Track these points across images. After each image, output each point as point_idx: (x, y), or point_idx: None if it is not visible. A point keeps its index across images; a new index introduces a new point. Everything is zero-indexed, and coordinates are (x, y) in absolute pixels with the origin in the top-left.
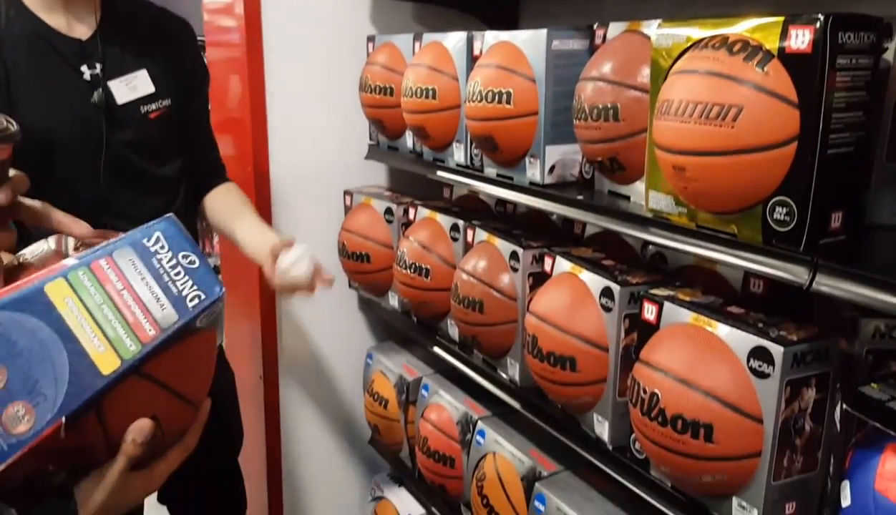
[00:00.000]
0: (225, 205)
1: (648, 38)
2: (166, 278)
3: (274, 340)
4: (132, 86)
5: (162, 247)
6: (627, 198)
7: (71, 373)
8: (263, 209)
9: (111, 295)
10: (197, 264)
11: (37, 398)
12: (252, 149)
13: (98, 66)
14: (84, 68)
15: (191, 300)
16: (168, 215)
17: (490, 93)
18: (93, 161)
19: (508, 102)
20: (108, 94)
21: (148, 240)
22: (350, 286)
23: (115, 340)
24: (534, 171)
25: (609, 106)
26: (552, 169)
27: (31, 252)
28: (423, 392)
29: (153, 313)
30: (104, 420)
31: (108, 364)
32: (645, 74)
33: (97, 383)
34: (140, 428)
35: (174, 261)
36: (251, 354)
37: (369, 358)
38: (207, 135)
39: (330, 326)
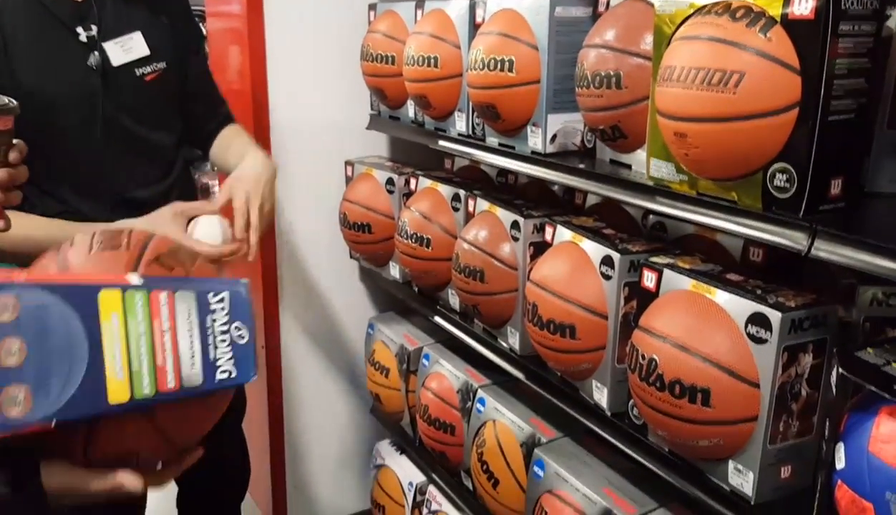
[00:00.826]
0: (219, 143)
1: (651, 4)
2: (210, 340)
3: (276, 310)
4: (127, 49)
5: (222, 309)
6: (629, 166)
7: (82, 384)
8: None
9: (154, 330)
10: (245, 340)
11: (41, 390)
12: (253, 120)
13: (94, 27)
14: (80, 30)
15: (221, 372)
16: (244, 281)
17: (492, 61)
18: (89, 123)
19: (511, 70)
20: (104, 56)
21: (213, 296)
22: (351, 256)
23: (136, 375)
24: (535, 140)
25: (612, 73)
26: (554, 138)
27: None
28: (424, 361)
29: (182, 367)
30: (91, 435)
31: (118, 394)
32: (648, 41)
33: (100, 407)
34: (133, 484)
35: (226, 328)
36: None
37: (370, 328)
38: (212, 91)
39: (331, 297)
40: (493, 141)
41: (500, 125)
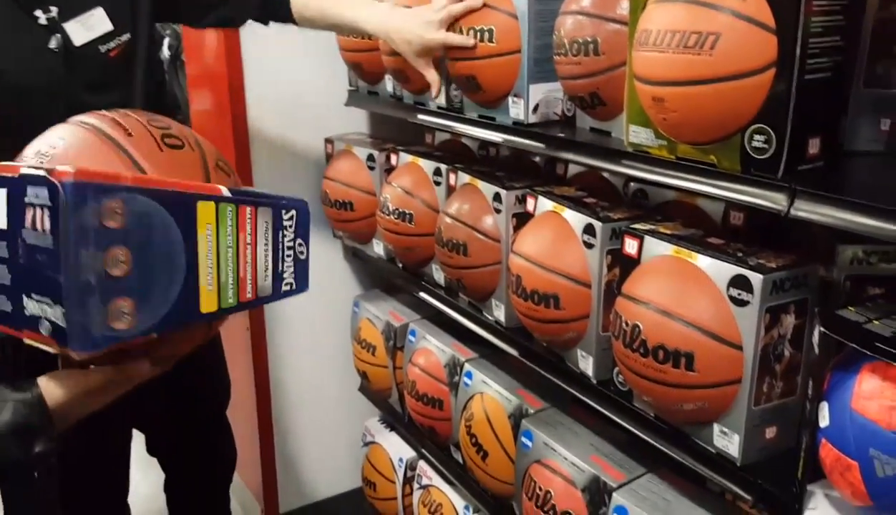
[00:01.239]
0: (317, 5)
1: None
2: (280, 254)
3: None
4: (89, 26)
5: (290, 226)
6: (609, 133)
7: (180, 295)
8: (243, 161)
9: (240, 243)
10: (305, 256)
11: (144, 302)
12: (229, 100)
13: (53, 9)
14: (39, 13)
15: (286, 284)
16: (304, 200)
17: (472, 31)
18: (53, 106)
19: (491, 40)
20: (66, 38)
21: (285, 213)
22: (334, 235)
23: (223, 286)
24: (518, 111)
25: (589, 40)
26: (536, 107)
27: None
28: (411, 337)
29: (258, 279)
30: (161, 341)
31: (208, 304)
32: (624, 6)
33: (193, 316)
34: (141, 371)
35: (291, 244)
36: None
37: (356, 306)
38: None
39: (315, 276)
40: (472, 113)
41: (479, 96)
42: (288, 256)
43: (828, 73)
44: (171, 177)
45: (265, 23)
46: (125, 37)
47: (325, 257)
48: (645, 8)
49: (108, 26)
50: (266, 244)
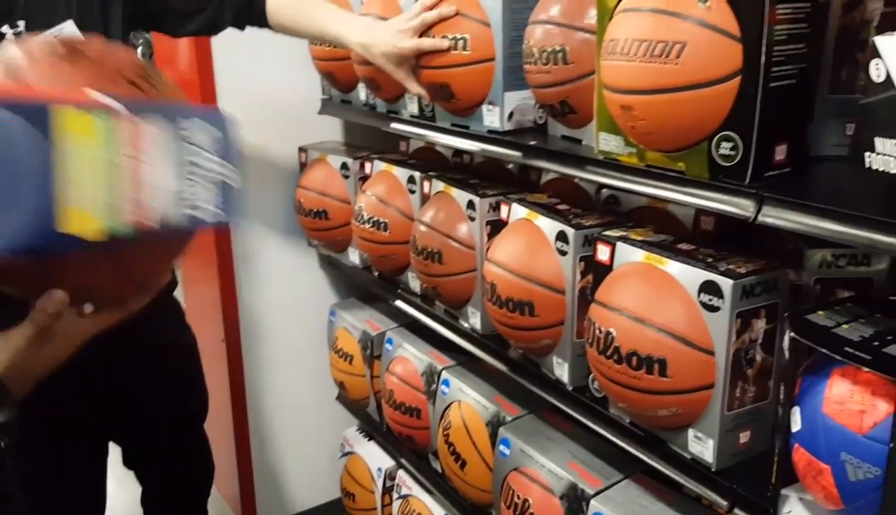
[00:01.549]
0: (281, 9)
1: None
2: (191, 175)
3: (234, 302)
4: None
5: (204, 141)
6: (580, 141)
7: (33, 210)
8: None
9: (123, 160)
10: (231, 178)
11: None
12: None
13: (21, 23)
14: (5, 28)
15: (204, 211)
16: (221, 113)
17: (444, 41)
18: None
19: (465, 48)
20: None
21: (193, 125)
22: (309, 244)
23: (99, 206)
24: (493, 118)
25: (558, 49)
26: (511, 115)
27: None
28: (388, 345)
29: (156, 202)
30: (51, 276)
31: (78, 224)
32: (592, 16)
33: (56, 237)
34: (54, 300)
35: (207, 164)
36: (212, 317)
37: (332, 315)
38: None
39: (291, 285)
40: (444, 122)
41: (453, 105)
42: (201, 176)
43: (793, 79)
44: (54, 83)
45: (241, 28)
46: None
47: (301, 266)
48: (612, 17)
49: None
50: (162, 161)
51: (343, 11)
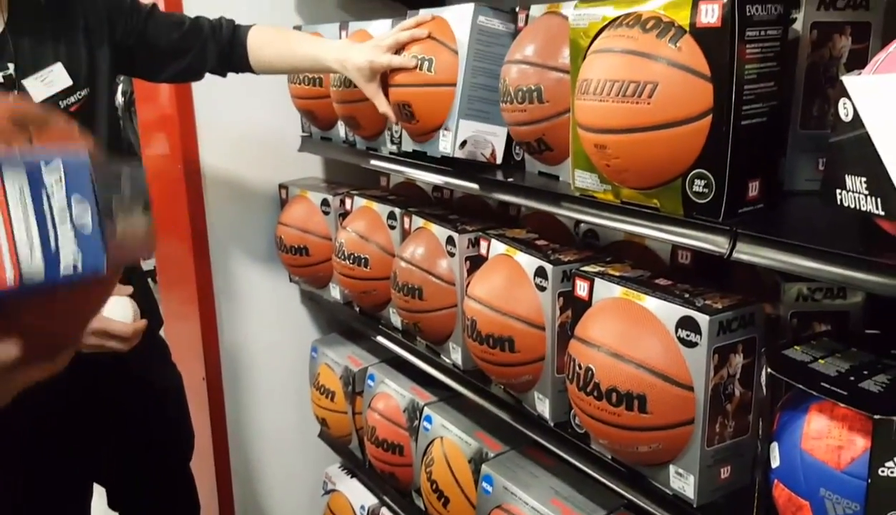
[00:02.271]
0: (266, 41)
1: (567, 18)
2: (49, 223)
3: (215, 339)
4: (48, 82)
5: (59, 185)
6: (557, 178)
7: None
8: (196, 206)
9: None
10: (91, 223)
11: None
12: (181, 146)
13: (10, 65)
14: None
15: (66, 265)
16: (83, 147)
17: (413, 59)
18: None
19: (430, 69)
20: (25, 95)
21: (46, 168)
22: (291, 280)
23: None
24: (445, 143)
25: (533, 88)
26: (464, 144)
27: None
28: (370, 382)
29: (21, 259)
30: None
31: None
32: (566, 55)
33: None
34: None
35: (64, 206)
36: (192, 355)
37: (314, 351)
38: (188, 29)
39: (272, 322)
40: (408, 146)
41: (414, 126)
42: (62, 225)
43: (764, 117)
44: None
45: (223, 74)
46: (85, 92)
47: (282, 302)
48: (585, 58)
49: (67, 82)
50: (25, 213)
51: (319, 39)
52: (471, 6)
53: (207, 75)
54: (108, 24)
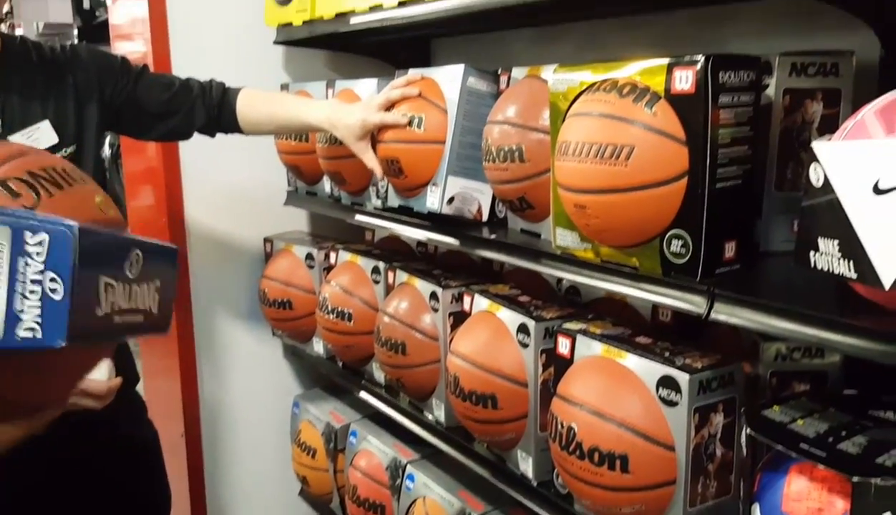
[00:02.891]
0: (254, 103)
1: (547, 82)
2: (17, 287)
3: (195, 395)
4: (34, 139)
5: (38, 254)
6: (538, 235)
7: None
8: (181, 260)
9: None
10: (60, 296)
11: None
12: (166, 198)
13: None
14: None
15: (26, 328)
16: (69, 225)
17: (333, 137)
18: None
19: (419, 127)
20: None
21: (32, 237)
22: (274, 334)
23: None
24: (433, 199)
25: (514, 148)
26: (451, 200)
27: None
28: (352, 438)
29: None
30: None
31: None
32: (546, 117)
33: None
34: None
35: (38, 277)
36: (171, 411)
37: (296, 406)
38: (178, 90)
39: (254, 377)
40: (394, 202)
41: (402, 182)
42: (31, 292)
43: (738, 180)
44: None
45: (211, 135)
46: (71, 148)
47: (264, 357)
48: (564, 120)
49: (53, 139)
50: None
51: (306, 99)
52: (461, 67)
53: (196, 134)
54: (98, 83)
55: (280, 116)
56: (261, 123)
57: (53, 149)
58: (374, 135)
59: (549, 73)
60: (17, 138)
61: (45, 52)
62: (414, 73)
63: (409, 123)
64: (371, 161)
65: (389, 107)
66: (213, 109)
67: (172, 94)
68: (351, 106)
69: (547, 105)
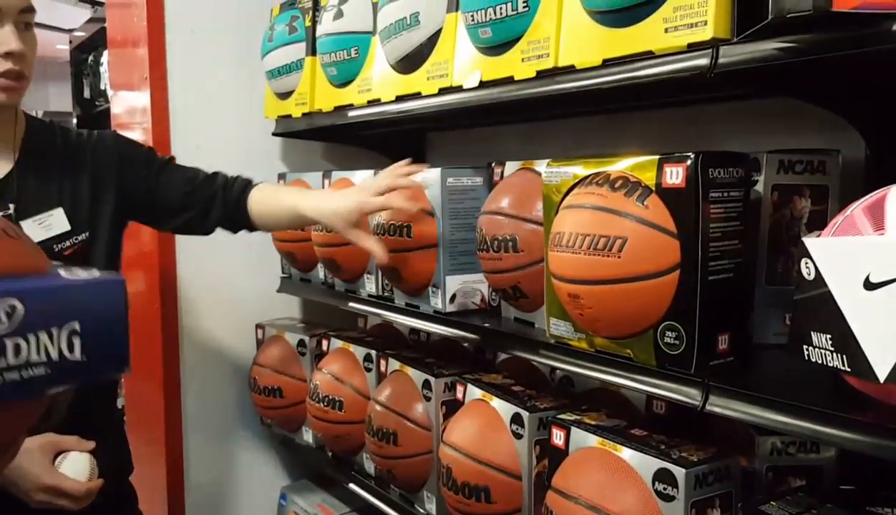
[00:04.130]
0: (261, 199)
1: (540, 174)
2: None
3: (181, 482)
4: (46, 226)
5: (6, 318)
6: (532, 324)
7: None
8: (170, 345)
9: None
10: (24, 367)
11: None
12: (160, 284)
13: (11, 206)
14: None
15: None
16: (38, 287)
17: (392, 227)
18: None
19: (408, 235)
20: None
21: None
22: (262, 422)
23: None
24: (436, 300)
25: (508, 238)
26: (453, 298)
27: None
28: None
29: None
30: None
31: None
32: (539, 208)
33: None
34: None
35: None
36: (156, 498)
37: (283, 498)
38: (198, 184)
39: (241, 465)
40: (401, 301)
41: (403, 286)
42: None
43: (730, 273)
44: None
45: (233, 231)
46: (82, 236)
47: (252, 446)
48: (558, 212)
49: (65, 226)
50: None
51: (299, 189)
52: (438, 171)
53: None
54: (117, 172)
55: (278, 210)
56: (266, 222)
57: (64, 237)
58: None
59: (542, 165)
60: (29, 223)
61: (70, 137)
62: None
63: (399, 233)
64: (368, 241)
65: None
66: (229, 208)
67: (193, 188)
68: (341, 192)
69: (539, 196)
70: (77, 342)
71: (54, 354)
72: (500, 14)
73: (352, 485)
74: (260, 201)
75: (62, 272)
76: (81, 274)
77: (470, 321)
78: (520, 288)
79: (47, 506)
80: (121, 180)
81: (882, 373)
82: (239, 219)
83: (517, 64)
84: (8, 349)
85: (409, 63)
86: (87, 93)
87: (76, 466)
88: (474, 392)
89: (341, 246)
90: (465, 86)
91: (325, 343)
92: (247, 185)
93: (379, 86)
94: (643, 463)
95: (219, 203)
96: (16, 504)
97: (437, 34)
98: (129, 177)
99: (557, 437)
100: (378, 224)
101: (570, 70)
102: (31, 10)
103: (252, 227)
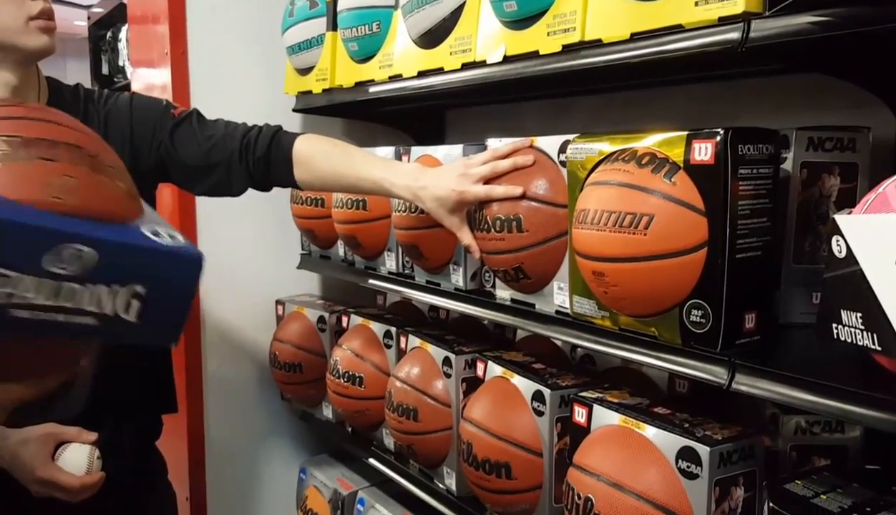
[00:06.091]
0: (318, 153)
1: (543, 151)
2: None
3: (202, 458)
4: None
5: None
6: (533, 306)
7: None
8: (192, 321)
9: None
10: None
11: None
12: None
13: None
14: None
15: None
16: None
17: (414, 205)
18: None
19: (423, 212)
20: None
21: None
22: (283, 398)
23: None
24: (457, 278)
25: (512, 217)
26: (474, 275)
27: None
28: (359, 506)
29: None
30: None
31: None
32: (545, 186)
33: None
34: None
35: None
36: (177, 474)
37: (303, 472)
38: (210, 141)
39: (261, 440)
40: (421, 279)
41: (425, 263)
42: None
43: (758, 251)
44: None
45: (265, 189)
46: None
47: (272, 422)
48: (583, 189)
49: None
50: None
51: (381, 157)
52: (460, 147)
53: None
54: (130, 143)
55: (349, 177)
56: (325, 179)
57: None
58: (393, 223)
59: (544, 142)
60: None
61: (92, 100)
62: (500, 141)
63: (422, 210)
64: (466, 237)
65: (492, 179)
66: (258, 163)
67: (211, 146)
68: (439, 172)
69: (544, 174)
70: (136, 304)
71: (108, 310)
72: None
73: (371, 460)
74: (317, 157)
75: (145, 229)
76: (165, 236)
77: (491, 299)
78: (523, 268)
79: (47, 495)
80: (134, 150)
81: None
82: (274, 177)
83: (542, 38)
84: (63, 291)
85: (432, 38)
86: (105, 70)
87: (75, 458)
88: (495, 369)
89: (362, 222)
90: (488, 61)
91: (344, 319)
92: (276, 138)
93: (400, 61)
94: (666, 442)
95: (237, 163)
96: (24, 491)
97: (460, 8)
98: (146, 136)
99: (579, 415)
100: (400, 202)
101: (597, 44)
102: None
103: (289, 184)
